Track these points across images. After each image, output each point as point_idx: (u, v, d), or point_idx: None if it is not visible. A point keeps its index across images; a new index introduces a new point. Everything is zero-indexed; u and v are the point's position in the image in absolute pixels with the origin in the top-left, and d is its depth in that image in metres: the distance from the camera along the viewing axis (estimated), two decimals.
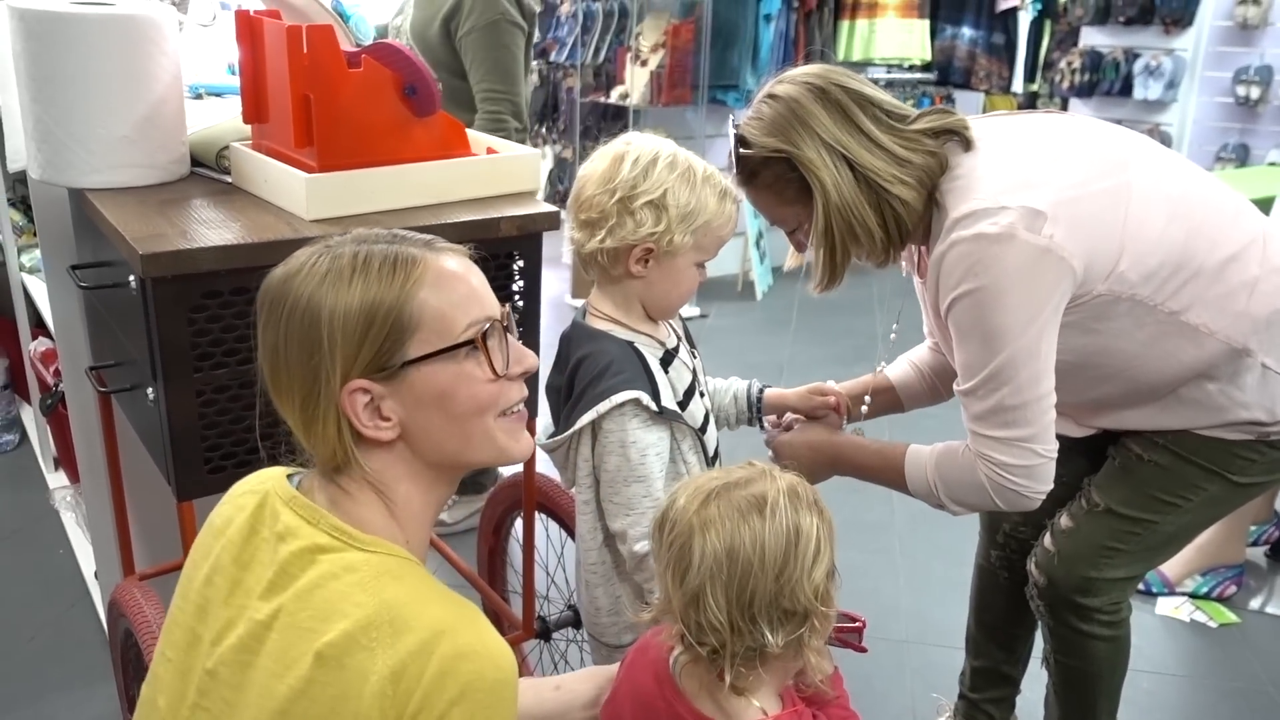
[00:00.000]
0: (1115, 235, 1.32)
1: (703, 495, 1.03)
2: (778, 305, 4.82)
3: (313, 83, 1.42)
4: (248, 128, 1.62)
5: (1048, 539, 1.57)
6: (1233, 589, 2.53)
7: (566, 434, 1.37)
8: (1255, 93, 5.82)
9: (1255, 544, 2.69)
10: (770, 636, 0.98)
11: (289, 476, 0.98)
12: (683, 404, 1.41)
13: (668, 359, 1.42)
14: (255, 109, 1.55)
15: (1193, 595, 2.51)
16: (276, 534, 0.91)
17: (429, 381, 0.91)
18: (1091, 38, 6.14)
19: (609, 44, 4.61)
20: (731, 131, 1.41)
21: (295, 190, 1.45)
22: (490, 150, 1.72)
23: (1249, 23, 5.80)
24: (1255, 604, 2.52)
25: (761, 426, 1.65)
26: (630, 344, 1.38)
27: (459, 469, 0.98)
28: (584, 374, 1.36)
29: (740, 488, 1.03)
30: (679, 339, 1.49)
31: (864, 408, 1.66)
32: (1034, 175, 1.32)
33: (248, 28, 1.50)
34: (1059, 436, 1.38)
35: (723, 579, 0.99)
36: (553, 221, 1.65)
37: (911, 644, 2.32)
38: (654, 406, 1.33)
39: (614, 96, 4.47)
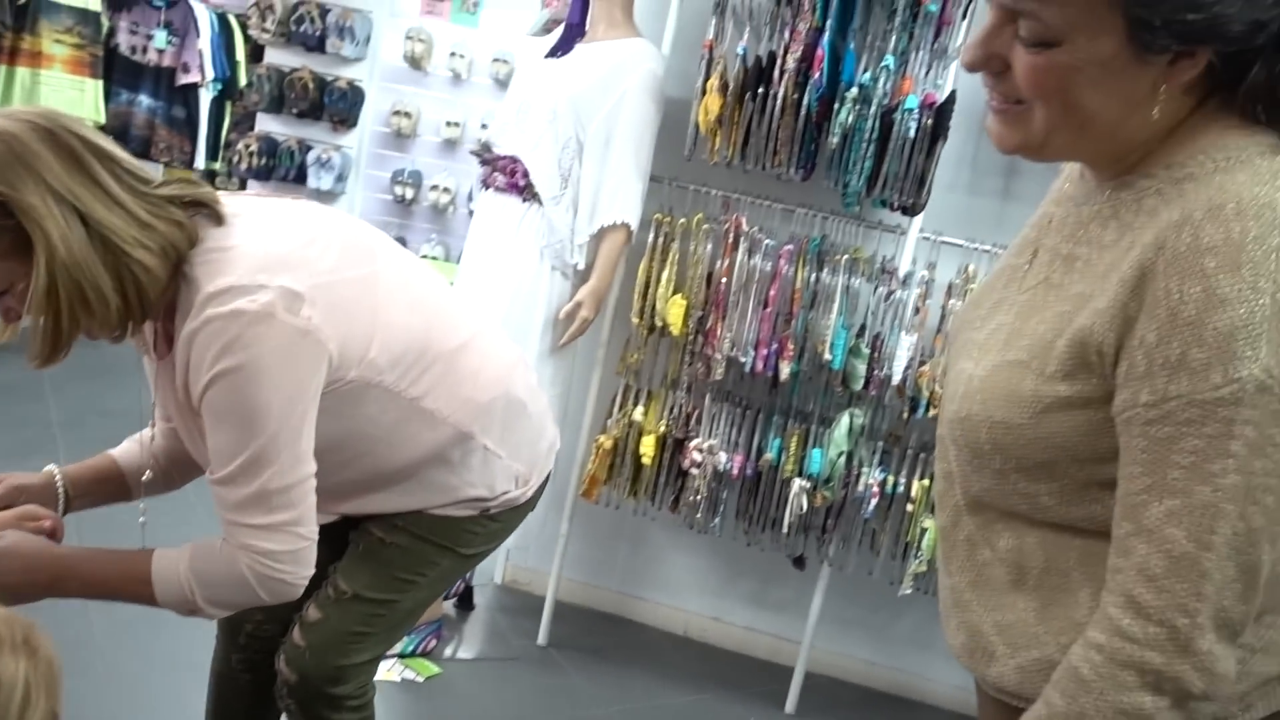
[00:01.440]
0: (367, 321, 1.36)
1: None
2: None
3: None
4: None
5: (297, 633, 1.54)
6: (434, 643, 2.78)
7: None
8: (410, 193, 6.62)
9: (447, 598, 3.00)
10: None
11: None
12: None
13: None
14: None
15: (400, 655, 2.69)
16: None
17: None
18: (267, 124, 6.36)
19: None
20: None
21: None
22: None
23: (403, 131, 6.60)
24: (449, 652, 2.81)
25: None
26: None
27: None
28: None
29: None
30: None
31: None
32: (291, 257, 1.31)
33: None
34: None
35: None
36: None
37: None
38: None
39: None
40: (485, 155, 2.80)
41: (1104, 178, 0.93)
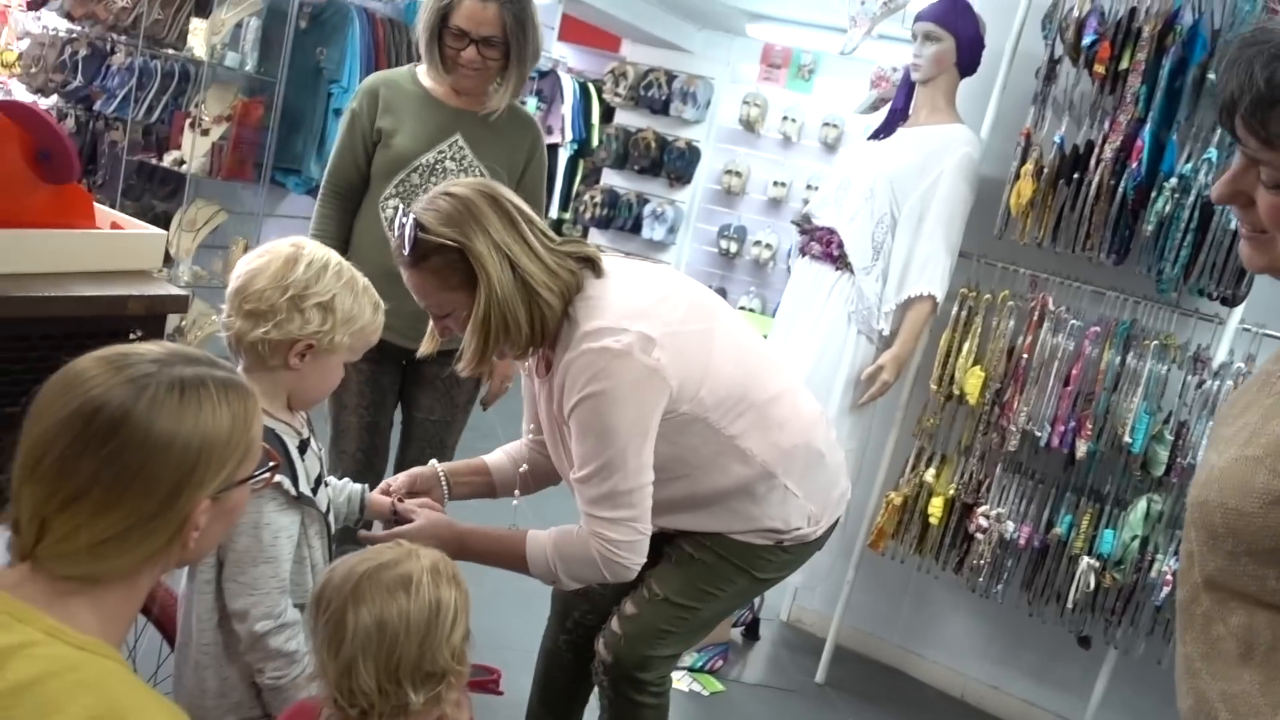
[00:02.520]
0: (700, 367, 1.67)
1: (356, 576, 1.18)
2: None
3: None
4: None
5: (615, 623, 1.85)
6: (720, 663, 3.05)
7: None
8: (734, 247, 7.02)
9: (735, 625, 3.26)
10: (413, 695, 1.15)
11: None
12: (313, 490, 1.51)
13: (303, 447, 1.51)
14: None
15: (690, 669, 2.98)
16: None
17: (238, 497, 1.00)
18: (611, 179, 7.02)
19: (164, 104, 4.39)
20: (410, 217, 1.55)
21: None
22: (115, 225, 1.68)
23: (732, 189, 7.02)
24: (734, 674, 3.06)
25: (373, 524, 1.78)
26: (272, 430, 1.45)
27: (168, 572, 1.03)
28: None
29: (389, 568, 1.19)
30: (311, 431, 1.58)
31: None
32: (649, 310, 1.64)
33: None
34: None
35: (372, 650, 1.14)
36: (181, 305, 1.66)
37: None
38: (293, 491, 1.42)
39: (168, 160, 4.24)
40: (805, 226, 3.07)
41: None
